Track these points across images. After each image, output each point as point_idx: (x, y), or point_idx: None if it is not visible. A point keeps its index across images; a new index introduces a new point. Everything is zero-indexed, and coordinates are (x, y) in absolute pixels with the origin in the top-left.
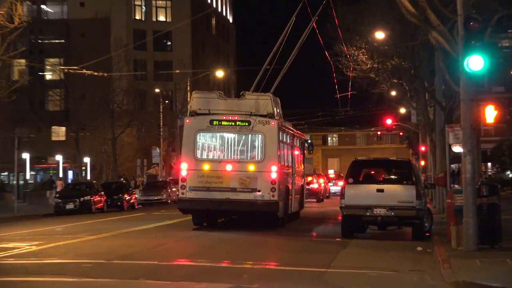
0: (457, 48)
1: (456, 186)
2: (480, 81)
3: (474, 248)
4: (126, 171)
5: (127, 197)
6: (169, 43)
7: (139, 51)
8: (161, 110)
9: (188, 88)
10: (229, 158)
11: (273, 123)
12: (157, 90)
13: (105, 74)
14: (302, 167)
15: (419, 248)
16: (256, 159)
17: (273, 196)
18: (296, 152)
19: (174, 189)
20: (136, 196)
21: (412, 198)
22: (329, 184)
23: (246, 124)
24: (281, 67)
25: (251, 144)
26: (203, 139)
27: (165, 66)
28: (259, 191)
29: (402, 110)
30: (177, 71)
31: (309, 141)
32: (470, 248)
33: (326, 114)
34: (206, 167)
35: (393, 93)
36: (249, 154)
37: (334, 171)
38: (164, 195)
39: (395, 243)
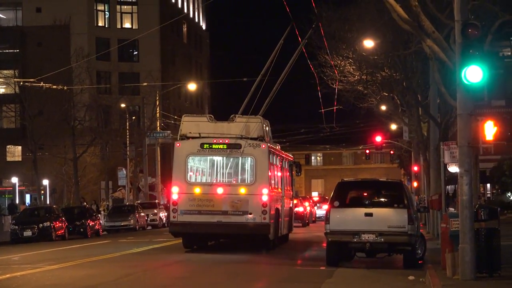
0: (454, 58)
1: (452, 209)
2: (479, 94)
3: (471, 276)
4: (89, 194)
5: (91, 223)
6: (135, 52)
7: (103, 61)
8: (127, 127)
9: (157, 103)
10: (220, 181)
11: (263, 146)
12: (122, 105)
13: (65, 88)
14: (291, 189)
15: (411, 277)
16: (247, 182)
17: (264, 218)
18: (286, 174)
19: (142, 214)
20: (101, 221)
21: (404, 222)
22: (315, 207)
23: (237, 147)
24: (268, 81)
25: (242, 167)
26: (193, 162)
27: (131, 79)
28: (250, 213)
29: (393, 127)
30: (145, 83)
31: (297, 162)
32: (466, 277)
33: (309, 130)
34: (197, 190)
35: (383, 107)
36: (240, 177)
37: (319, 194)
38: (132, 220)
39: (384, 272)
